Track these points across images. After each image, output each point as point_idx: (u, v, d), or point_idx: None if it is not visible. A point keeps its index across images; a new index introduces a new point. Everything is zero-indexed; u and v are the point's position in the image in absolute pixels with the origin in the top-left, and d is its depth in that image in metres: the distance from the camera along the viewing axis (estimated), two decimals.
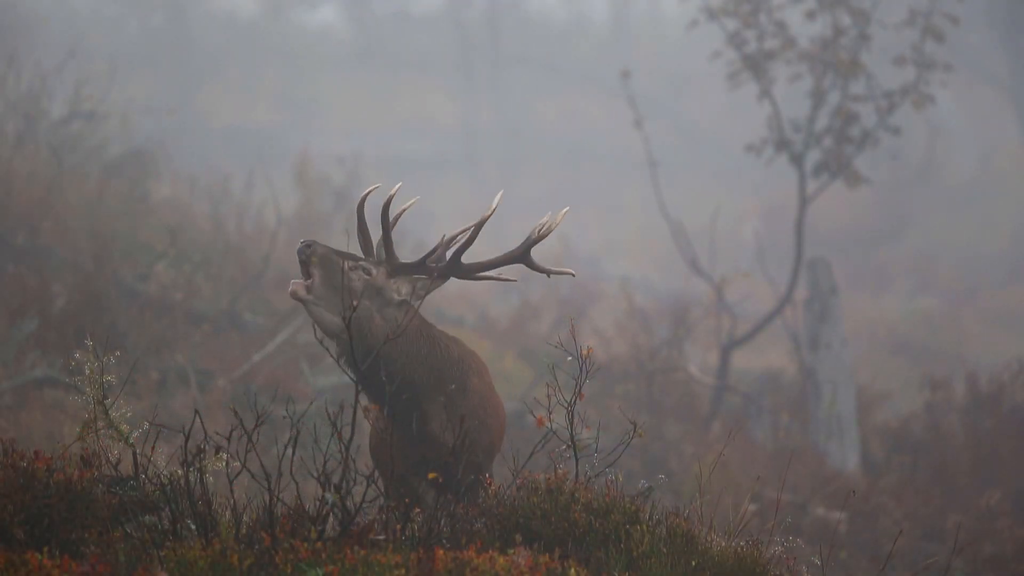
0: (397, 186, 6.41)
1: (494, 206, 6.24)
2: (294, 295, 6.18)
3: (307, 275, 6.21)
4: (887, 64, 17.15)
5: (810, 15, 16.97)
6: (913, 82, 16.86)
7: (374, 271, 6.28)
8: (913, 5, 16.91)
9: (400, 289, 6.32)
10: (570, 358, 6.13)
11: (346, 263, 6.23)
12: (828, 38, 16.93)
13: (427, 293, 6.37)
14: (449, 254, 6.33)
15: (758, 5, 17.05)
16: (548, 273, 6.37)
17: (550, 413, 6.06)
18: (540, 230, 6.35)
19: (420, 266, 6.34)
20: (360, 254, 6.37)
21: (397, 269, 6.33)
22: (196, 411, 5.78)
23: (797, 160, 17.06)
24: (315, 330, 5.81)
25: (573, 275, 6.48)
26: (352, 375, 6.15)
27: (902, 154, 17.97)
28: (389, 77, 41.01)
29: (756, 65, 17.04)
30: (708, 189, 33.01)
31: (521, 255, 6.35)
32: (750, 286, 18.96)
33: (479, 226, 6.27)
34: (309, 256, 6.18)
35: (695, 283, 17.92)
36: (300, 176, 22.57)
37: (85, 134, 19.50)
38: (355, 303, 6.13)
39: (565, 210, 6.40)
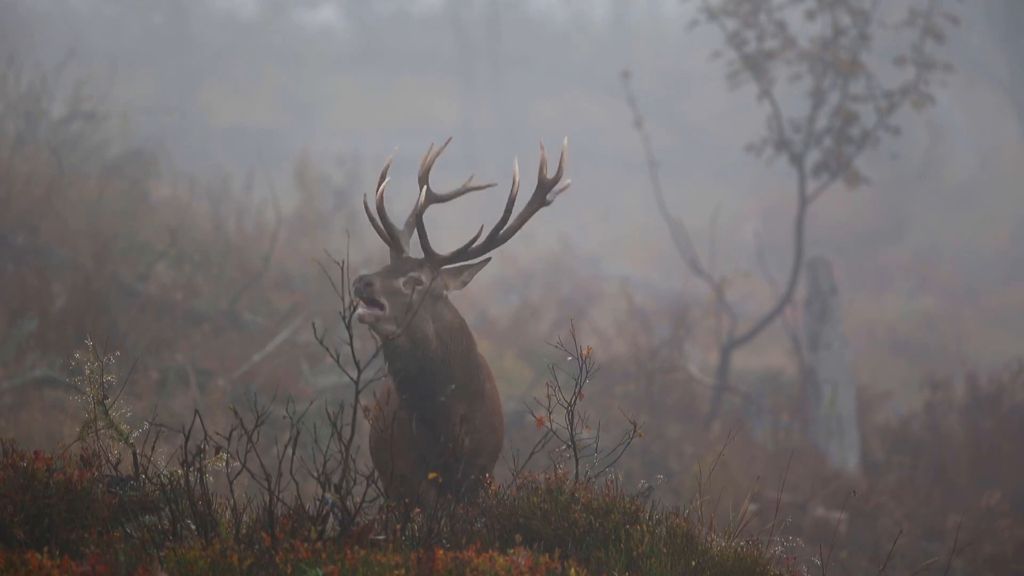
0: (383, 184, 6.41)
1: (517, 180, 6.26)
2: (370, 323, 6.20)
3: (369, 303, 6.21)
4: (887, 64, 17.15)
5: (810, 15, 16.98)
6: (913, 82, 16.86)
7: (423, 277, 6.29)
8: (913, 5, 16.91)
9: (448, 284, 6.35)
10: (570, 358, 6.13)
11: (402, 281, 6.25)
12: (828, 38, 16.93)
13: (471, 279, 6.41)
14: (486, 234, 6.33)
15: (758, 5, 17.05)
16: (553, 191, 6.40)
17: (550, 413, 6.06)
18: (545, 168, 6.37)
19: (462, 254, 6.35)
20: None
21: (439, 263, 6.34)
22: (196, 411, 5.78)
23: (797, 160, 17.07)
24: (315, 330, 5.81)
25: (569, 183, 6.47)
26: (385, 375, 6.17)
27: (902, 154, 17.96)
28: (389, 77, 41.01)
29: (756, 65, 17.04)
30: (708, 189, 33.00)
31: (541, 201, 6.38)
32: (750, 286, 18.96)
33: (511, 203, 6.27)
34: (373, 294, 6.20)
35: (695, 283, 17.92)
36: (300, 176, 22.57)
37: (85, 134, 19.50)
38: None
39: (566, 142, 6.43)
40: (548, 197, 6.41)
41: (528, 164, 6.37)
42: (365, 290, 6.19)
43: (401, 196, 6.49)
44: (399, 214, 6.53)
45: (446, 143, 6.59)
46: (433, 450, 6.25)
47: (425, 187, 6.51)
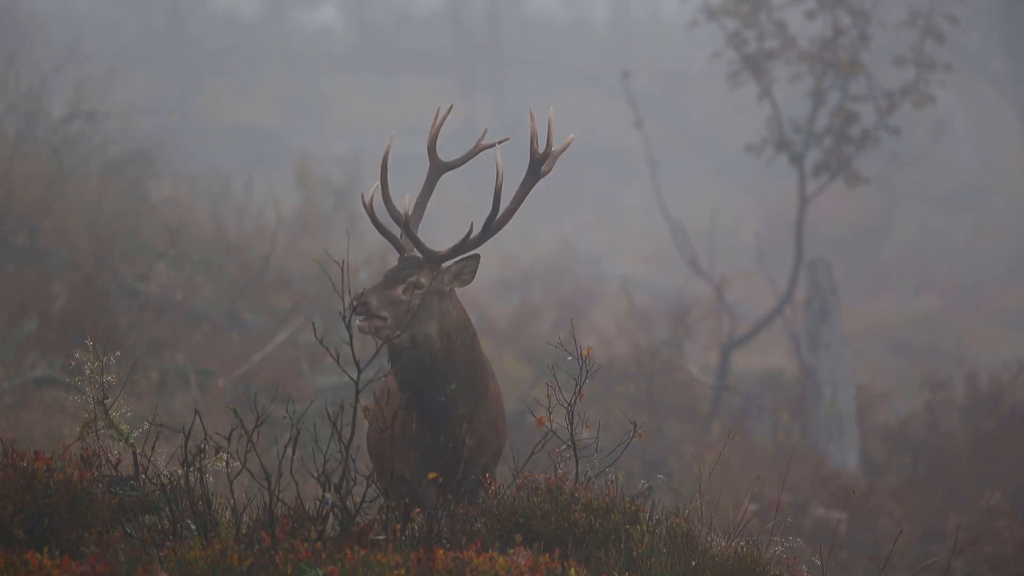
0: (376, 188, 6.41)
1: (500, 171, 6.24)
2: (371, 334, 6.20)
3: (370, 318, 6.21)
4: (887, 64, 17.15)
5: (810, 15, 16.98)
6: (913, 82, 16.86)
7: (423, 279, 6.28)
8: (913, 5, 16.91)
9: (443, 279, 6.33)
10: (570, 358, 6.13)
11: (401, 288, 6.23)
12: (828, 38, 16.93)
13: (472, 277, 6.38)
14: (480, 226, 6.32)
15: (758, 5, 17.05)
16: (549, 161, 6.37)
17: (550, 413, 6.06)
18: (536, 141, 6.35)
19: (461, 248, 6.33)
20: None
21: (438, 260, 6.33)
22: (196, 411, 5.78)
23: (797, 160, 17.07)
24: (315, 330, 5.81)
25: (572, 139, 6.43)
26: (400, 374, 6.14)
27: (905, 153, 17.98)
28: (389, 77, 41.00)
29: (756, 65, 17.04)
30: (708, 189, 33.00)
31: (535, 176, 6.36)
32: (750, 286, 18.96)
33: (498, 193, 6.26)
34: (373, 311, 6.20)
35: (695, 283, 17.92)
36: (300, 176, 22.56)
37: (85, 134, 19.49)
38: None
39: (551, 111, 6.41)
40: (543, 169, 6.39)
41: (517, 149, 6.34)
42: (363, 310, 6.19)
43: (403, 192, 6.48)
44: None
45: (449, 109, 6.58)
46: (435, 450, 6.24)
47: (407, 198, 6.51)
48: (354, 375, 5.86)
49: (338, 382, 13.75)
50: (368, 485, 5.80)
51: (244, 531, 5.48)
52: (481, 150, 6.62)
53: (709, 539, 5.92)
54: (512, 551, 5.62)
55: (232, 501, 5.63)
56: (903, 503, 13.96)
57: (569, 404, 6.10)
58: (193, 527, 5.59)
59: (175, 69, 37.90)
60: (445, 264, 6.34)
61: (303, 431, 5.72)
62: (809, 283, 16.59)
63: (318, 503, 5.55)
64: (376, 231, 6.45)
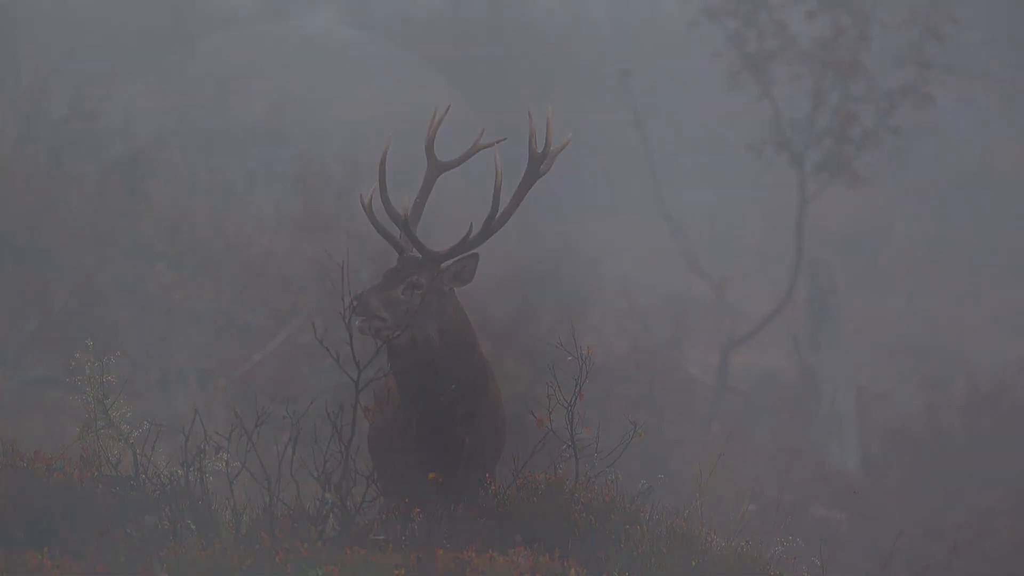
0: (372, 189, 6.42)
1: (499, 171, 6.25)
2: (371, 335, 6.20)
3: (369, 318, 6.21)
4: (887, 64, 17.16)
5: (810, 15, 16.99)
6: (913, 82, 16.87)
7: (422, 279, 6.27)
8: (913, 5, 16.92)
9: (443, 279, 6.33)
10: (570, 358, 6.13)
11: (400, 288, 6.23)
12: (828, 38, 16.94)
13: (471, 276, 6.37)
14: (478, 226, 6.32)
15: (758, 5, 17.06)
16: (547, 160, 6.40)
17: (550, 413, 6.06)
18: (535, 140, 6.37)
19: (461, 247, 6.33)
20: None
21: (437, 260, 6.32)
22: (196, 411, 5.78)
23: (797, 160, 17.08)
24: (315, 330, 5.81)
25: (570, 138, 6.46)
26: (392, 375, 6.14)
27: (904, 153, 18.02)
28: (389, 77, 40.99)
29: (756, 65, 17.05)
30: (708, 189, 32.99)
31: (535, 175, 6.37)
32: (750, 286, 18.96)
33: (497, 192, 6.26)
34: (372, 311, 6.19)
35: (695, 283, 17.92)
36: (300, 176, 22.55)
37: (85, 134, 19.48)
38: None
39: (550, 111, 6.42)
40: (542, 168, 6.40)
41: (517, 148, 6.34)
42: (362, 310, 6.18)
43: (404, 191, 6.47)
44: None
45: (447, 109, 6.60)
46: (435, 450, 6.23)
47: (406, 198, 6.50)
48: (354, 375, 5.86)
49: (338, 382, 13.74)
50: (368, 485, 5.79)
51: (244, 531, 5.48)
52: (479, 150, 6.63)
53: (709, 539, 5.92)
54: (512, 551, 5.62)
55: (232, 501, 5.63)
56: (903, 503, 13.97)
57: (569, 404, 6.10)
58: (193, 527, 5.59)
59: (175, 69, 37.88)
60: (444, 264, 6.34)
61: (303, 431, 5.73)
62: (809, 283, 16.59)
63: (318, 503, 5.55)
64: (376, 231, 6.44)
